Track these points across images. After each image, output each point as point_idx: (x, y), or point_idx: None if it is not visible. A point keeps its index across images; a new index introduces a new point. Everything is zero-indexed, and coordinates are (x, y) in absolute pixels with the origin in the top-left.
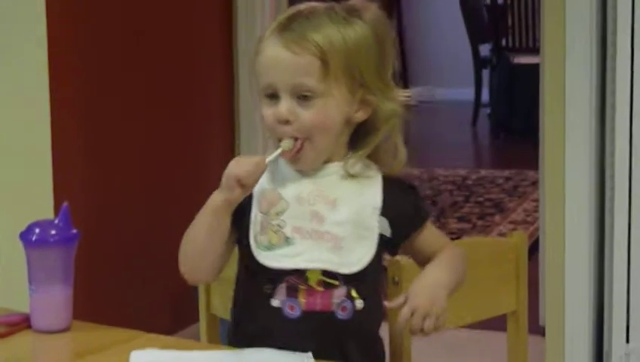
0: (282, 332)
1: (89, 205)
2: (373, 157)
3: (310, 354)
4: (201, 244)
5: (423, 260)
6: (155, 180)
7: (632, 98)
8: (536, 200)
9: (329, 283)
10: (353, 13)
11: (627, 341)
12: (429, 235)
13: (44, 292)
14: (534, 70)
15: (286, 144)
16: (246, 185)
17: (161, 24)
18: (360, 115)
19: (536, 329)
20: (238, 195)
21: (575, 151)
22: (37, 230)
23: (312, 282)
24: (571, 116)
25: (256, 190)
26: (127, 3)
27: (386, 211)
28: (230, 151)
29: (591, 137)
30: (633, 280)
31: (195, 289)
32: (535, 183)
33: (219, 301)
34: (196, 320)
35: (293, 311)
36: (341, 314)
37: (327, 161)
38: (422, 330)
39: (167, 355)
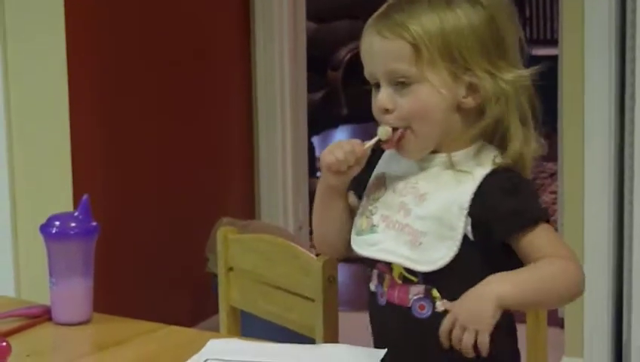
0: (375, 319)
1: (108, 198)
2: (498, 146)
3: (383, 351)
4: (320, 226)
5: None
6: (174, 174)
7: None
8: (555, 193)
9: (408, 278)
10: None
11: None
12: (537, 241)
13: (65, 285)
14: (553, 62)
15: (382, 131)
16: (339, 171)
17: (179, 22)
18: (469, 101)
19: (556, 321)
20: (335, 181)
21: (594, 143)
22: (57, 223)
23: (395, 274)
24: (590, 108)
25: (375, 171)
26: (145, 4)
27: (475, 211)
28: (249, 145)
29: (610, 129)
30: None
31: (214, 280)
32: (553, 175)
33: (238, 293)
34: (216, 311)
35: (382, 299)
36: (419, 313)
37: (437, 151)
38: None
39: (244, 346)
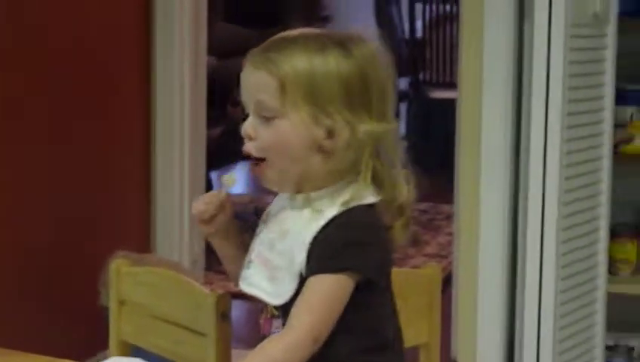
0: None
1: None
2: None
3: None
4: (226, 266)
5: None
6: (68, 205)
7: (545, 138)
8: (451, 234)
9: (274, 312)
10: (342, 44)
11: None
12: (306, 289)
13: None
14: (451, 105)
15: (225, 178)
16: (205, 220)
17: (77, 52)
18: (328, 144)
19: (448, 361)
20: (207, 230)
21: (490, 187)
22: None
23: (270, 308)
24: (486, 152)
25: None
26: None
27: (310, 251)
28: (146, 178)
29: (505, 173)
30: (544, 315)
31: (107, 314)
32: (450, 217)
33: (130, 327)
34: (107, 346)
35: (261, 333)
36: None
37: (301, 189)
38: None
39: None
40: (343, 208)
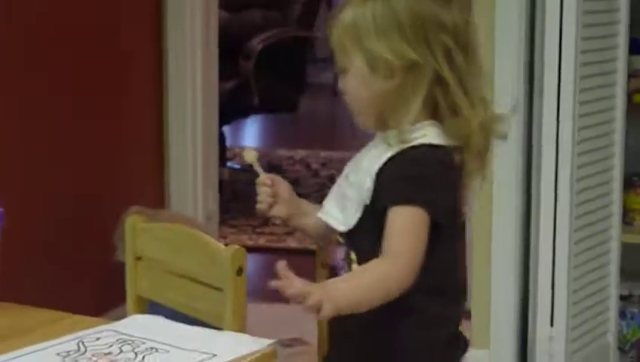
0: None
1: (14, 183)
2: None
3: (269, 341)
4: (305, 228)
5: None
6: (83, 161)
7: (559, 87)
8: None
9: (339, 240)
10: None
11: (551, 324)
12: (390, 222)
13: None
14: None
15: (247, 155)
16: (268, 211)
17: (87, 11)
18: (386, 85)
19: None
20: (280, 215)
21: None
22: None
23: (337, 235)
24: (499, 98)
25: None
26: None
27: (377, 181)
28: (159, 134)
29: (519, 123)
30: (558, 266)
31: (122, 270)
32: None
33: (146, 282)
34: (123, 301)
35: (339, 263)
36: (340, 270)
37: (387, 126)
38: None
39: (162, 324)
40: (410, 145)
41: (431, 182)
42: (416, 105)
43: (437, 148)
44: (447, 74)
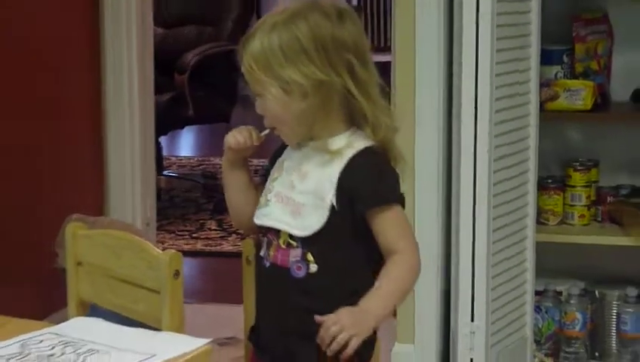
0: (260, 280)
1: None
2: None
3: (205, 340)
4: (230, 200)
5: (381, 246)
6: (22, 171)
7: (476, 97)
8: None
9: (290, 243)
10: (295, 16)
11: (472, 320)
12: (383, 224)
13: None
14: (387, 67)
15: (261, 135)
16: (236, 149)
17: (23, 24)
18: (302, 105)
19: None
20: (233, 157)
21: (424, 143)
22: None
23: (282, 240)
24: (420, 113)
25: (278, 160)
26: None
27: (341, 185)
28: (98, 144)
29: (438, 132)
30: (477, 265)
31: (63, 275)
32: None
33: (87, 286)
34: (64, 305)
35: (267, 262)
36: (296, 273)
37: (315, 138)
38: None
39: (101, 326)
40: (359, 149)
41: (395, 181)
42: (335, 116)
43: (375, 149)
44: (352, 88)
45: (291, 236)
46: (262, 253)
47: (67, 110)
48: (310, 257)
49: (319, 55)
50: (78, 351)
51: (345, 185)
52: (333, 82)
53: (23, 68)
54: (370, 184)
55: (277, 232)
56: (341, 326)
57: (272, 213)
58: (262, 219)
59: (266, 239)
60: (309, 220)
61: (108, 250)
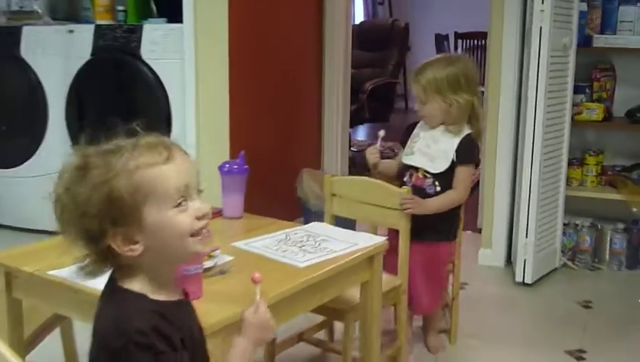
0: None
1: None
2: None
3: (383, 238)
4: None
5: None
6: (281, 139)
7: (535, 113)
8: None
9: (425, 176)
10: (452, 61)
11: (526, 236)
12: (458, 173)
13: (229, 198)
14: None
15: (381, 133)
16: (375, 158)
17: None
18: (452, 110)
19: (475, 228)
20: (373, 161)
21: (502, 143)
22: (227, 165)
23: (420, 173)
24: (501, 122)
25: (413, 132)
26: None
27: (457, 151)
28: (319, 118)
29: (510, 135)
30: (531, 205)
31: (302, 202)
32: None
33: (339, 207)
34: (301, 215)
35: (409, 185)
36: (428, 190)
37: (442, 124)
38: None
39: (329, 229)
40: (465, 134)
41: (477, 152)
42: (464, 116)
43: (472, 136)
44: (476, 103)
45: (426, 171)
46: (405, 179)
47: (304, 105)
48: (437, 184)
49: (468, 85)
50: (316, 238)
51: (458, 150)
52: (472, 100)
53: (284, 70)
54: (464, 152)
55: (416, 169)
56: (414, 203)
57: (416, 159)
58: (409, 160)
59: (409, 172)
60: (439, 165)
61: (354, 187)
